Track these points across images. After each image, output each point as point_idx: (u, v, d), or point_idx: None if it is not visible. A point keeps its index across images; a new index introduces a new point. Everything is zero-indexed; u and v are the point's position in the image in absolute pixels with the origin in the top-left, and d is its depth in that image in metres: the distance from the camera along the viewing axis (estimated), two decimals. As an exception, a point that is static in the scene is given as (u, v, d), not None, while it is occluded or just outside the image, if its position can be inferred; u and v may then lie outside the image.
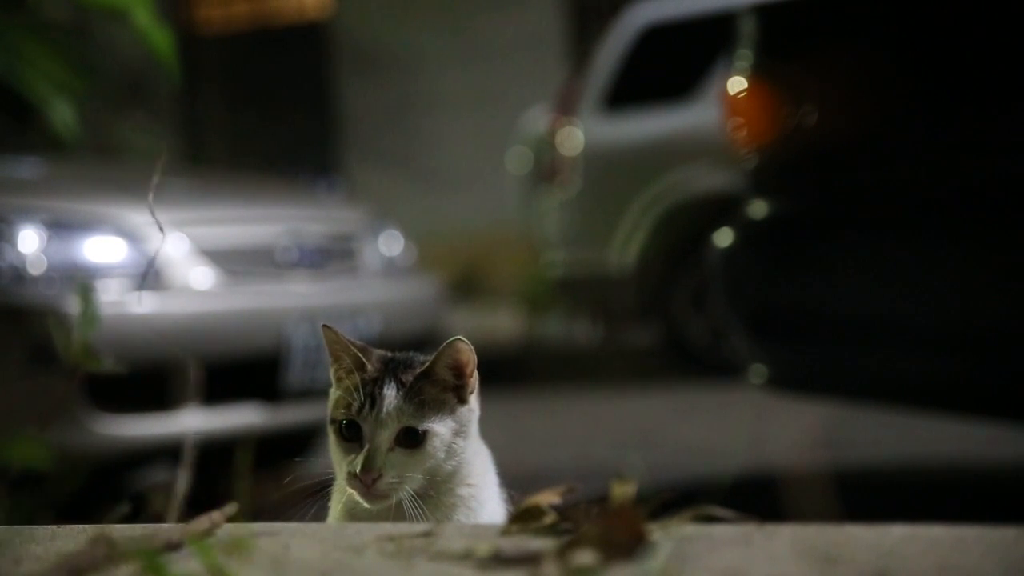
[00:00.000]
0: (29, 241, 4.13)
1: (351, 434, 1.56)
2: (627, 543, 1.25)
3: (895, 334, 3.12)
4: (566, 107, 7.89)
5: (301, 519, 1.59)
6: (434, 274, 5.82)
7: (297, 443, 4.81)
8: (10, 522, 1.59)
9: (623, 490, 1.32)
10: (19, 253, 4.10)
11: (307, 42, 13.46)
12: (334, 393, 1.62)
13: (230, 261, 4.54)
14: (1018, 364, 2.89)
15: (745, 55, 3.57)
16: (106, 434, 4.07)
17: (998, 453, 4.17)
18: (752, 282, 3.50)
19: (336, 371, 1.63)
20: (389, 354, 1.63)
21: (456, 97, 12.56)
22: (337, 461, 1.59)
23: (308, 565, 1.32)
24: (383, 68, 12.87)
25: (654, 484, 1.31)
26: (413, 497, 1.54)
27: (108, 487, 4.79)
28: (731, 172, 5.50)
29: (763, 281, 3.47)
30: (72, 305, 3.90)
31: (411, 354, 1.64)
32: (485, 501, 1.61)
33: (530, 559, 1.26)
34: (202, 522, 1.49)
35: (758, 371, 3.53)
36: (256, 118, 13.59)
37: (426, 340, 5.05)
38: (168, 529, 1.47)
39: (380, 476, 1.53)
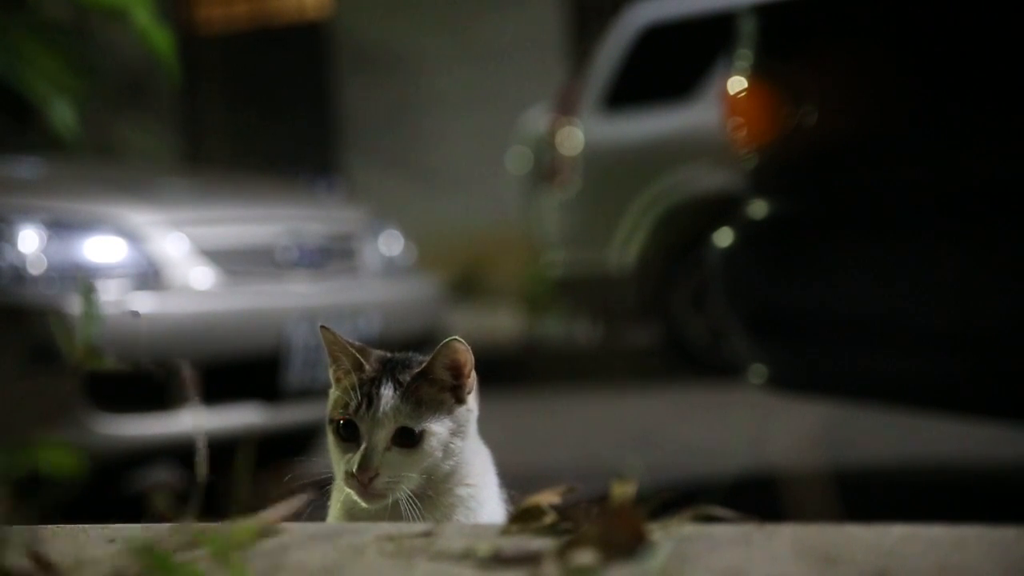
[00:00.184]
0: (29, 241, 4.13)
1: (349, 434, 1.57)
2: (627, 543, 1.25)
3: (895, 334, 3.12)
4: (566, 107, 7.89)
5: (301, 519, 1.59)
6: (434, 274, 5.82)
7: (297, 443, 4.82)
8: (10, 522, 1.59)
9: (623, 490, 1.32)
10: (19, 253, 4.10)
11: (307, 42, 13.46)
12: (333, 394, 1.63)
13: (230, 261, 4.54)
14: (1018, 364, 2.89)
15: (745, 55, 3.57)
16: (106, 434, 4.07)
17: (998, 453, 4.17)
18: (752, 282, 3.50)
19: (335, 372, 1.64)
20: (388, 354, 1.64)
21: (456, 97, 12.56)
22: (335, 461, 1.60)
23: (308, 565, 1.32)
24: (383, 68, 12.87)
25: (654, 484, 1.31)
26: (410, 497, 1.54)
27: (108, 487, 4.79)
28: (731, 172, 5.50)
29: (763, 281, 3.47)
30: (73, 305, 3.90)
31: (410, 354, 1.65)
32: (484, 501, 1.62)
33: (530, 559, 1.26)
34: (279, 510, 1.49)
35: (758, 371, 3.53)
36: (256, 118, 13.59)
37: (426, 340, 5.05)
38: (244, 520, 1.46)
39: (377, 475, 1.53)
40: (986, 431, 3.69)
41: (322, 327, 1.62)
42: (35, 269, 4.09)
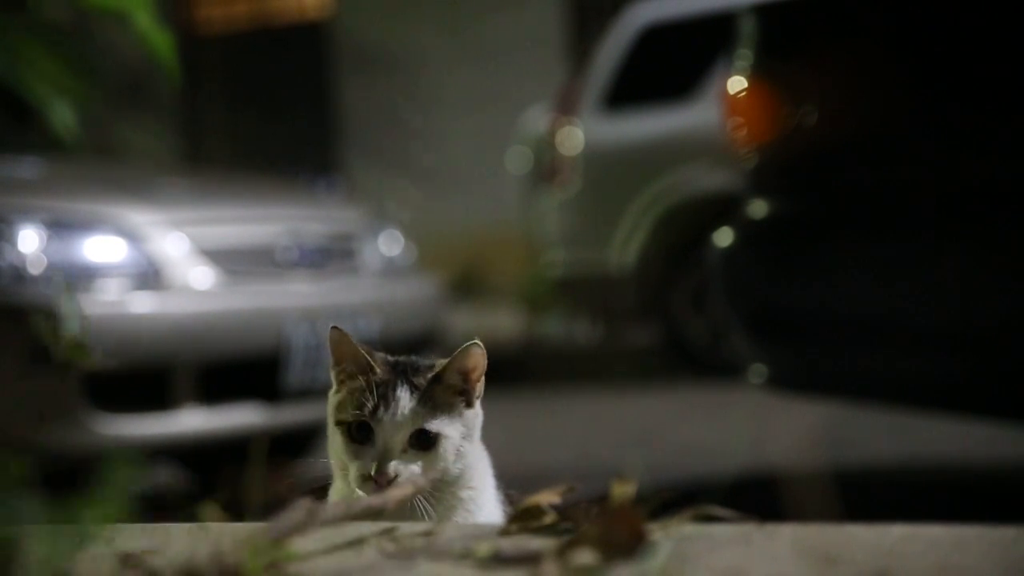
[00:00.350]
0: (29, 241, 4.13)
1: (362, 436, 1.56)
2: (627, 543, 1.25)
3: (895, 334, 3.12)
4: (566, 107, 7.89)
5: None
6: (434, 274, 5.82)
7: (297, 443, 4.81)
8: (10, 522, 1.59)
9: (623, 490, 1.32)
10: (19, 253, 4.10)
11: (307, 42, 13.46)
12: (336, 395, 1.62)
13: (230, 261, 4.54)
14: (1018, 364, 2.89)
15: (745, 55, 3.57)
16: (106, 434, 4.07)
17: (998, 453, 4.17)
18: (752, 282, 3.50)
19: (338, 373, 1.63)
20: (391, 357, 1.63)
21: (456, 97, 12.56)
22: (340, 463, 1.59)
23: (308, 564, 1.32)
24: (383, 68, 12.87)
25: (654, 484, 1.31)
26: (421, 499, 1.54)
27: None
28: (731, 172, 5.50)
29: (763, 281, 3.47)
30: (61, 303, 3.90)
31: (414, 357, 1.65)
32: (484, 504, 1.62)
33: (530, 559, 1.26)
34: (404, 488, 1.49)
35: (758, 371, 3.53)
36: (256, 118, 13.59)
37: (426, 340, 5.05)
38: (369, 499, 1.45)
39: (395, 477, 1.53)
40: (986, 431, 3.69)
41: (333, 327, 1.62)
42: (35, 269, 4.09)
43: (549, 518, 1.39)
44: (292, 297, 4.63)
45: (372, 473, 1.53)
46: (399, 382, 1.57)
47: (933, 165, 3.05)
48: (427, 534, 1.41)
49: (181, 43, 12.35)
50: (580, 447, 5.42)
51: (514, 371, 7.63)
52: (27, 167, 5.13)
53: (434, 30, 12.66)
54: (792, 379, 3.55)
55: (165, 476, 5.13)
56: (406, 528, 1.46)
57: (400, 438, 1.55)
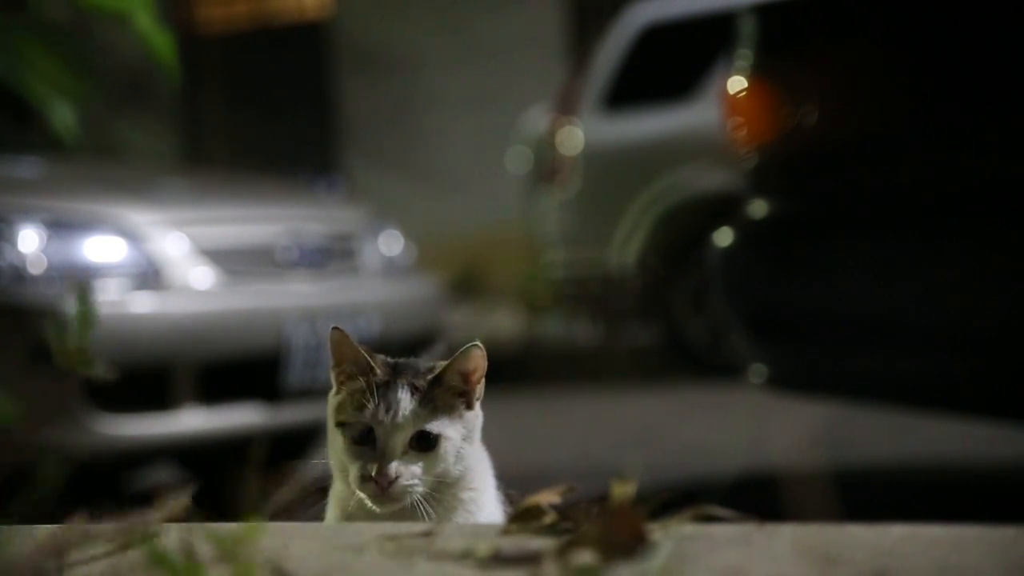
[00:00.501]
0: (29, 241, 4.13)
1: (362, 437, 1.56)
2: (627, 543, 1.25)
3: (895, 334, 3.12)
4: (566, 107, 7.89)
5: (300, 519, 1.59)
6: (434, 274, 5.82)
7: (297, 443, 4.82)
8: (10, 522, 1.59)
9: (623, 490, 1.32)
10: (19, 253, 4.10)
11: (307, 42, 13.46)
12: (336, 396, 1.62)
13: (230, 261, 4.54)
14: (1018, 364, 2.89)
15: (745, 55, 3.57)
16: (106, 434, 4.07)
17: (998, 453, 4.18)
18: (752, 282, 3.50)
19: (338, 374, 1.63)
20: (391, 359, 1.63)
21: (456, 97, 12.56)
22: (339, 465, 1.59)
23: (308, 564, 1.32)
24: (383, 68, 12.87)
25: (654, 484, 1.31)
26: (422, 500, 1.54)
27: (108, 487, 4.79)
28: (731, 172, 5.50)
29: (763, 281, 3.47)
30: (69, 305, 3.90)
31: (413, 359, 1.65)
32: (484, 505, 1.62)
33: (530, 559, 1.26)
34: (170, 506, 1.49)
35: (758, 371, 3.53)
36: (256, 118, 13.59)
37: (426, 340, 5.05)
38: (139, 516, 1.47)
39: (396, 479, 1.53)
40: (986, 431, 3.69)
41: (333, 328, 1.61)
42: (35, 269, 4.09)
43: (549, 518, 1.39)
44: (292, 297, 4.64)
45: (373, 474, 1.53)
46: (399, 383, 1.57)
47: (933, 165, 3.05)
48: (427, 534, 1.41)
49: (181, 43, 12.34)
50: (580, 447, 5.43)
51: (514, 371, 7.63)
52: (27, 167, 5.13)
53: (434, 30, 12.66)
54: (792, 379, 3.55)
55: (165, 476, 5.13)
56: (406, 529, 1.46)
57: (401, 439, 1.55)
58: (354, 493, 1.56)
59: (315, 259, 4.86)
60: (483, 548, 1.31)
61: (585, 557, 1.23)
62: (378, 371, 1.59)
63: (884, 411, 3.92)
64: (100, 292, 4.12)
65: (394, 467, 1.53)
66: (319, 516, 1.63)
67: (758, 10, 3.53)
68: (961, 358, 3.01)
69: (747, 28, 3.56)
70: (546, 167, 8.08)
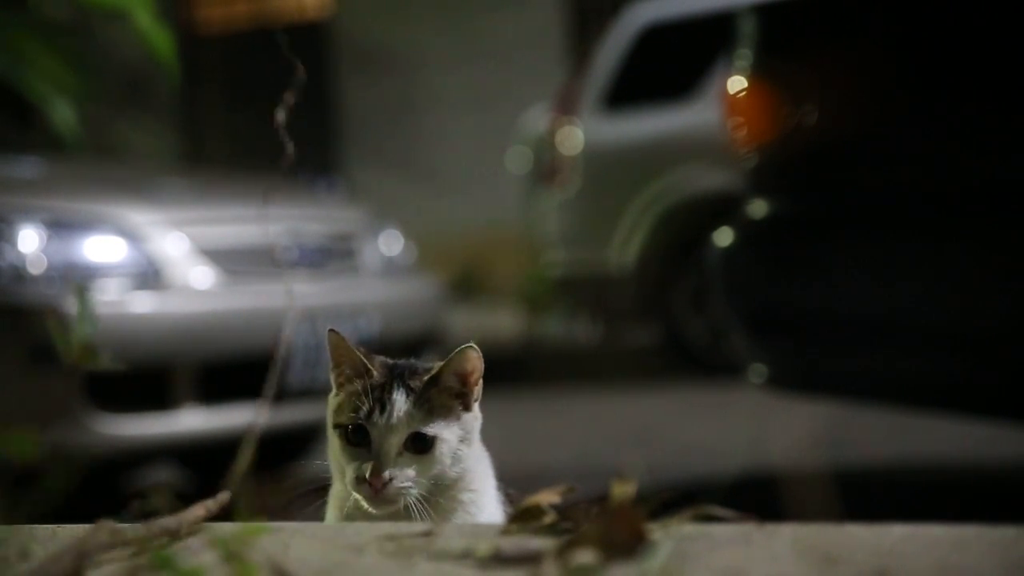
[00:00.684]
0: (29, 241, 4.13)
1: (358, 439, 1.56)
2: (627, 542, 1.25)
3: (895, 334, 3.12)
4: (566, 107, 7.89)
5: (300, 519, 1.59)
6: (434, 274, 5.82)
7: (297, 443, 4.82)
8: (10, 522, 1.59)
9: (623, 490, 1.32)
10: (19, 253, 4.10)
11: (307, 42, 13.46)
12: (335, 398, 1.62)
13: (230, 261, 4.54)
14: (1018, 364, 2.89)
15: (745, 55, 3.57)
16: (106, 434, 4.07)
17: (998, 453, 4.18)
18: (752, 282, 3.50)
19: (337, 376, 1.63)
20: (390, 360, 1.63)
21: (456, 97, 12.56)
22: (339, 466, 1.59)
23: (308, 564, 1.32)
24: (383, 68, 12.87)
25: (654, 483, 1.31)
26: (418, 502, 1.54)
27: (108, 487, 4.79)
28: (731, 172, 5.50)
29: (763, 281, 3.47)
30: (70, 304, 3.90)
31: (413, 361, 1.65)
32: (485, 506, 1.62)
33: (530, 558, 1.26)
34: (197, 510, 1.49)
35: (758, 371, 3.53)
36: (256, 118, 13.57)
37: (426, 340, 5.05)
38: (164, 519, 1.47)
39: (390, 481, 1.53)
40: (986, 431, 3.69)
41: (330, 330, 1.62)
42: (35, 269, 4.09)
43: (549, 518, 1.39)
44: (292, 297, 4.63)
45: (367, 476, 1.53)
46: (395, 385, 1.57)
47: (933, 165, 3.05)
48: (427, 535, 1.41)
49: (181, 43, 12.34)
50: (580, 447, 5.42)
51: (514, 371, 7.64)
52: (27, 167, 5.13)
53: (434, 30, 12.66)
54: (792, 379, 3.55)
55: (165, 476, 5.13)
56: (406, 529, 1.46)
57: (395, 441, 1.54)
58: (350, 494, 1.56)
59: (315, 259, 4.86)
60: (483, 548, 1.31)
61: (585, 557, 1.23)
62: (375, 373, 1.59)
63: (884, 411, 3.92)
64: (100, 292, 4.12)
65: (388, 469, 1.53)
66: (319, 516, 1.63)
67: (758, 10, 3.53)
68: (961, 358, 3.01)
69: (747, 28, 3.56)
70: (546, 167, 8.08)
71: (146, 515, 1.48)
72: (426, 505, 1.55)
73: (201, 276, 4.43)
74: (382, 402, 1.55)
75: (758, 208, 3.50)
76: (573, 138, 7.66)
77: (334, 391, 1.63)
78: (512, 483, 1.68)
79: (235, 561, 1.29)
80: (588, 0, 12.38)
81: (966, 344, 2.99)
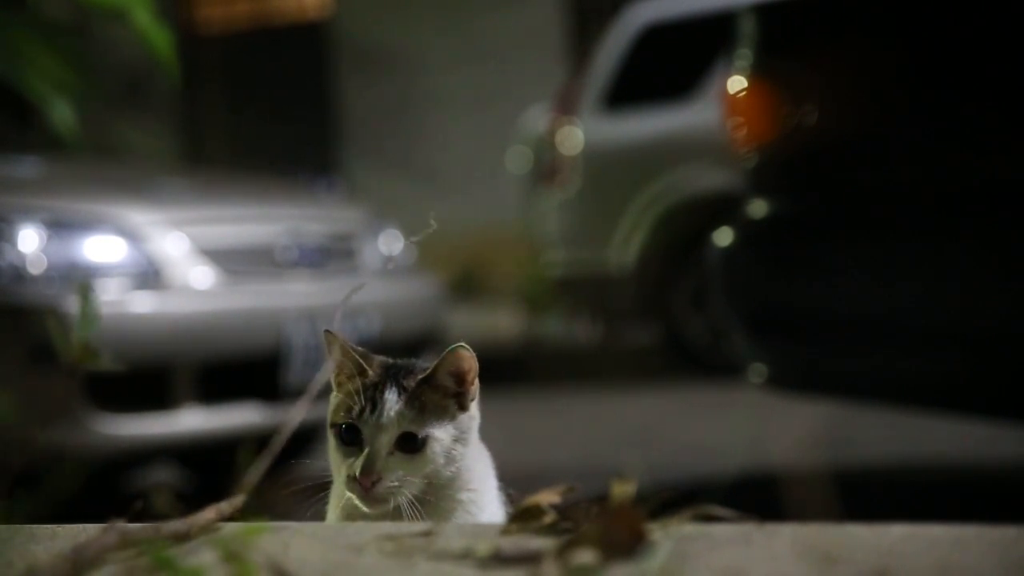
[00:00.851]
0: (29, 240, 4.13)
1: (351, 438, 1.57)
2: (627, 542, 1.25)
3: (895, 334, 3.12)
4: (566, 107, 7.89)
5: (300, 519, 1.59)
6: (434, 274, 5.83)
7: (297, 443, 4.81)
8: (10, 522, 1.59)
9: (623, 489, 1.32)
10: (19, 252, 4.10)
11: (307, 42, 13.46)
12: (335, 397, 1.62)
13: (230, 261, 4.54)
14: (1018, 364, 2.89)
15: (745, 55, 3.57)
16: (106, 434, 4.07)
17: (998, 453, 4.18)
18: (752, 282, 3.50)
19: (337, 376, 1.63)
20: (391, 360, 1.63)
21: (456, 97, 12.56)
22: (336, 465, 1.59)
23: (308, 564, 1.32)
24: (383, 67, 12.86)
25: (654, 483, 1.31)
26: (412, 502, 1.54)
27: (108, 487, 4.79)
28: (731, 172, 5.50)
29: (763, 281, 3.47)
30: (72, 304, 3.90)
31: (413, 361, 1.65)
32: (485, 506, 1.62)
33: (530, 558, 1.26)
34: (208, 513, 1.49)
35: (758, 371, 3.53)
36: (256, 118, 13.58)
37: (426, 340, 5.05)
38: (175, 522, 1.47)
39: (379, 479, 1.53)
40: (986, 431, 3.69)
41: (326, 331, 1.62)
42: (35, 269, 4.09)
43: (549, 518, 1.39)
44: (292, 297, 4.64)
45: (357, 474, 1.53)
46: (388, 384, 1.57)
47: (933, 165, 3.05)
48: (427, 534, 1.41)
49: (181, 43, 12.34)
50: (580, 447, 5.42)
51: (514, 371, 7.63)
52: (27, 167, 5.13)
53: (434, 30, 12.66)
54: (792, 379, 3.55)
55: (165, 476, 5.13)
56: (406, 529, 1.46)
57: (386, 440, 1.55)
58: (345, 493, 1.57)
59: (315, 259, 4.86)
60: (483, 548, 1.31)
61: (585, 557, 1.23)
62: (370, 372, 1.59)
63: (884, 411, 3.92)
64: (100, 292, 4.12)
65: (378, 468, 1.53)
66: (319, 516, 1.64)
67: (758, 10, 3.53)
68: (961, 358, 3.01)
69: (747, 28, 3.56)
70: (546, 167, 8.07)
71: (153, 517, 1.48)
72: (422, 505, 1.55)
73: (201, 276, 4.43)
74: (374, 401, 1.56)
75: (758, 208, 3.50)
76: (573, 138, 7.65)
77: (334, 391, 1.64)
78: (512, 483, 1.68)
79: (235, 561, 1.29)
80: (588, 0, 12.38)
81: (966, 344, 2.99)
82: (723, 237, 3.60)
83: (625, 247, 7.45)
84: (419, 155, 12.69)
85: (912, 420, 3.98)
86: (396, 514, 1.54)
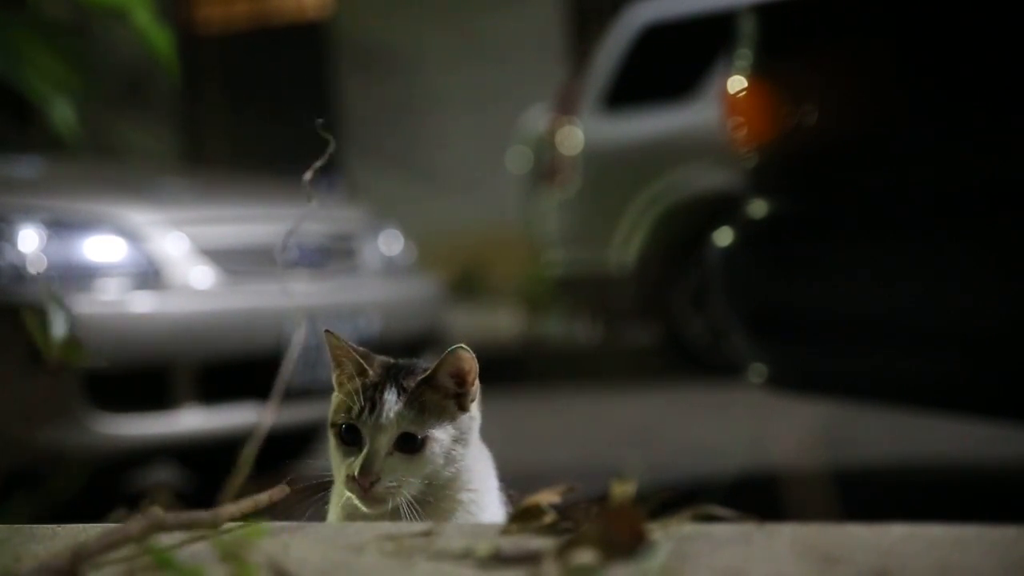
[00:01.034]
0: (29, 240, 4.13)
1: (351, 438, 1.57)
2: (627, 542, 1.25)
3: (895, 334, 3.12)
4: (566, 107, 7.89)
5: (300, 519, 1.59)
6: (434, 274, 5.82)
7: (297, 443, 4.81)
8: (10, 522, 1.59)
9: (623, 489, 1.32)
10: (19, 252, 4.10)
11: (307, 42, 13.46)
12: (336, 398, 1.62)
13: (230, 261, 4.53)
14: (1018, 364, 2.89)
15: (745, 55, 3.57)
16: (106, 434, 4.07)
17: (998, 453, 4.17)
18: (752, 282, 3.50)
19: (338, 376, 1.63)
20: (391, 360, 1.64)
21: (456, 97, 12.56)
22: (336, 465, 1.59)
23: (308, 564, 1.32)
24: (384, 67, 12.86)
25: (654, 483, 1.31)
26: (411, 502, 1.54)
27: (108, 487, 4.79)
28: (731, 172, 5.50)
29: (763, 281, 3.47)
30: (69, 303, 3.90)
31: (414, 361, 1.65)
32: (485, 506, 1.62)
33: (530, 558, 1.26)
34: (248, 503, 1.49)
35: (758, 371, 3.53)
36: (256, 118, 13.58)
37: (426, 340, 5.05)
38: (206, 512, 1.47)
39: (378, 479, 1.53)
40: (986, 431, 3.69)
41: (327, 331, 1.62)
42: (35, 269, 4.09)
43: (549, 518, 1.39)
44: (292, 297, 4.63)
45: (356, 474, 1.53)
46: (388, 385, 1.57)
47: (933, 165, 3.05)
48: (427, 534, 1.41)
49: (181, 43, 12.34)
50: (580, 447, 5.42)
51: (514, 371, 7.63)
52: (27, 167, 5.13)
53: (434, 29, 12.66)
54: (792, 379, 3.55)
55: (164, 476, 5.13)
56: (406, 528, 1.46)
57: (385, 440, 1.55)
58: (344, 493, 1.57)
59: (315, 259, 4.86)
60: (483, 548, 1.31)
61: (585, 557, 1.23)
62: (371, 373, 1.59)
63: (884, 411, 3.92)
64: (100, 292, 4.12)
65: (377, 468, 1.53)
66: (319, 516, 1.64)
67: (758, 10, 3.53)
68: (961, 358, 3.01)
69: (747, 28, 3.56)
70: (546, 167, 8.07)
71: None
72: (422, 506, 1.55)
73: (201, 276, 4.43)
74: (373, 401, 1.56)
75: (758, 208, 3.50)
76: (573, 138, 7.66)
77: (335, 391, 1.64)
78: (512, 483, 1.68)
79: (235, 561, 1.29)
80: (588, 0, 12.38)
81: (966, 344, 2.99)
82: (723, 237, 3.60)
83: (625, 247, 7.45)
84: (419, 155, 12.69)
85: (912, 420, 3.98)
86: (396, 514, 1.54)
